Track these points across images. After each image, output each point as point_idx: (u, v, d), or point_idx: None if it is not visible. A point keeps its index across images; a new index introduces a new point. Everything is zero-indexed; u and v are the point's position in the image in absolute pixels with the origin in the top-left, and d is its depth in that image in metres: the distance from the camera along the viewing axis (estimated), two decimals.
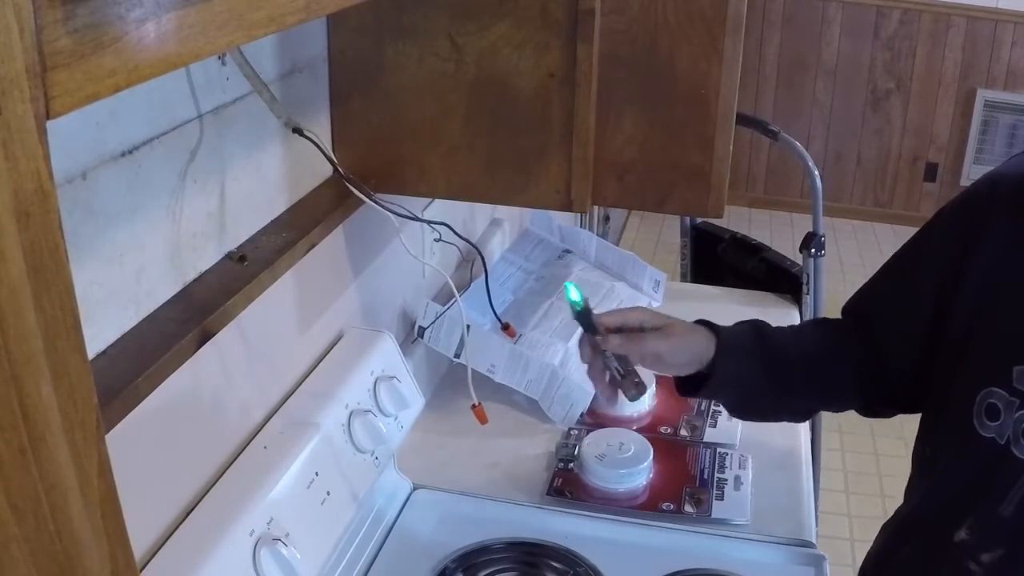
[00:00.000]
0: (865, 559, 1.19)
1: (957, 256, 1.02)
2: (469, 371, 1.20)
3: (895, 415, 1.17)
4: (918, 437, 1.13)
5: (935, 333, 1.05)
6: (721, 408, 1.45)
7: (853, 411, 1.19)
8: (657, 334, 1.09)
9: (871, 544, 1.18)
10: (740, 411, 1.22)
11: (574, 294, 1.10)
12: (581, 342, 1.12)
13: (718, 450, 1.41)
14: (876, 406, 1.16)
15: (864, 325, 1.14)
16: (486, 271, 1.31)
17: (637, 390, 1.09)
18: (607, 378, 1.11)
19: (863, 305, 1.17)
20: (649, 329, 1.10)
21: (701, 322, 1.13)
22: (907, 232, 1.21)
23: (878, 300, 1.15)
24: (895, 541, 1.12)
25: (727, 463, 1.38)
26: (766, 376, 1.12)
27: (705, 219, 2.43)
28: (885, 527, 1.17)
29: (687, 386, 1.14)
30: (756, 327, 1.15)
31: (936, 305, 1.04)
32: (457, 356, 1.50)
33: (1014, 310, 0.98)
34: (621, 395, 1.12)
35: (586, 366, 1.13)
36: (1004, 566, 0.98)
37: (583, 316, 1.09)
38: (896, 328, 1.10)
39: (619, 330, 1.11)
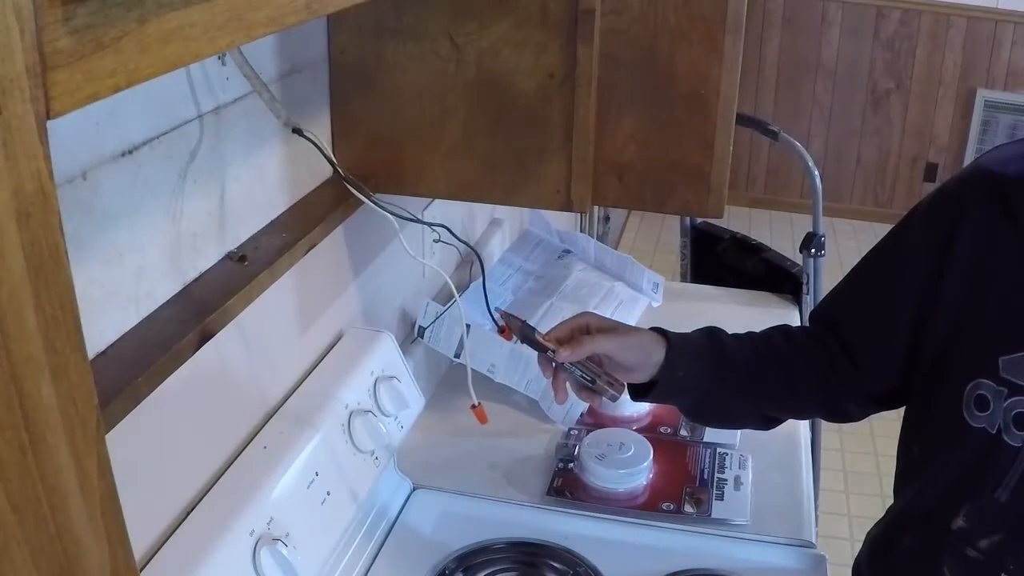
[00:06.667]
0: (859, 555, 1.19)
1: (937, 254, 1.02)
2: (469, 371, 1.20)
3: (866, 416, 1.16)
4: (903, 435, 1.13)
5: (917, 333, 1.05)
6: None
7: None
8: (604, 334, 1.08)
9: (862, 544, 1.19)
10: (695, 416, 1.21)
11: (507, 320, 1.08)
12: (538, 363, 1.11)
13: (718, 450, 1.41)
14: (847, 408, 1.15)
15: (835, 331, 1.13)
16: (484, 275, 1.31)
17: (613, 389, 1.08)
18: (578, 388, 1.10)
19: (835, 311, 1.16)
20: (596, 331, 1.09)
21: (654, 328, 1.13)
22: None
23: (853, 305, 1.14)
24: (893, 532, 1.12)
25: (727, 463, 1.39)
26: (716, 381, 1.11)
27: (705, 219, 2.43)
28: (872, 530, 1.18)
29: (639, 391, 1.13)
30: (710, 332, 1.15)
31: (918, 305, 1.04)
32: (457, 356, 1.50)
33: (996, 300, 0.99)
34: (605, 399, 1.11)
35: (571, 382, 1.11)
36: (1002, 551, 1.00)
37: (527, 338, 1.08)
38: (874, 332, 1.10)
39: (571, 339, 1.08)
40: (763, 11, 4.99)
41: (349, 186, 1.09)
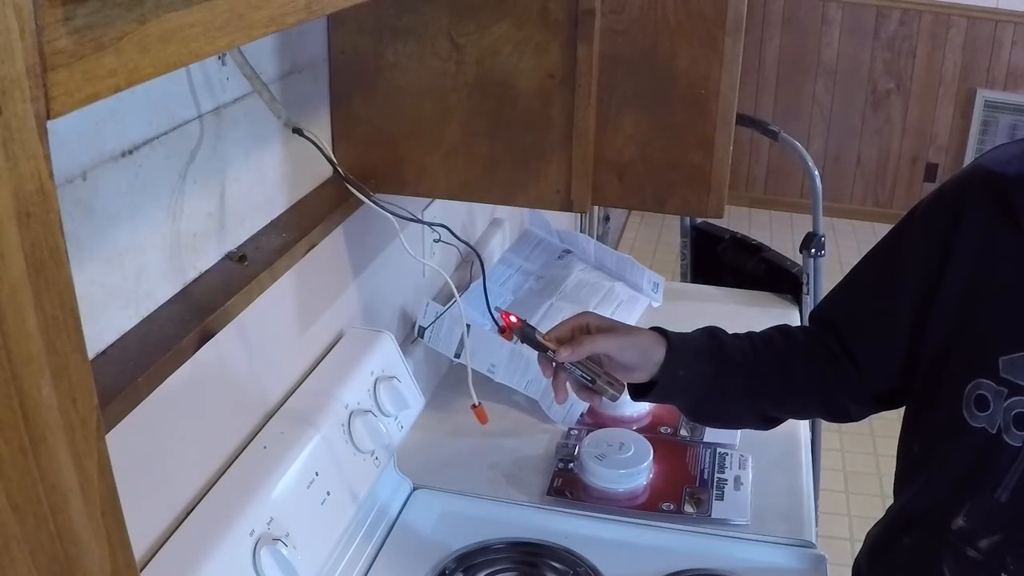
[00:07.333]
0: (859, 554, 1.19)
1: (937, 254, 1.02)
2: (469, 371, 1.20)
3: (866, 416, 1.16)
4: (903, 435, 1.13)
5: (917, 333, 1.05)
6: None
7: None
8: (604, 334, 1.08)
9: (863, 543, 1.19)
10: (695, 415, 1.21)
11: (508, 319, 1.07)
12: (539, 362, 1.11)
13: (718, 450, 1.41)
14: (847, 408, 1.15)
15: (836, 331, 1.13)
16: (484, 275, 1.31)
17: (613, 389, 1.08)
18: (578, 388, 1.10)
19: (835, 311, 1.16)
20: (596, 331, 1.09)
21: (654, 328, 1.13)
22: None
23: (853, 305, 1.14)
24: (893, 532, 1.12)
25: (727, 463, 1.39)
26: (717, 381, 1.11)
27: (705, 219, 2.43)
28: (872, 530, 1.18)
29: (639, 390, 1.13)
30: (710, 332, 1.15)
31: (918, 305, 1.04)
32: (457, 356, 1.50)
33: (996, 301, 0.99)
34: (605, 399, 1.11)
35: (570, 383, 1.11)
36: (1002, 551, 1.00)
37: (527, 337, 1.07)
38: (874, 331, 1.10)
39: (571, 339, 1.08)
40: (763, 11, 4.99)
41: (349, 186, 1.09)
